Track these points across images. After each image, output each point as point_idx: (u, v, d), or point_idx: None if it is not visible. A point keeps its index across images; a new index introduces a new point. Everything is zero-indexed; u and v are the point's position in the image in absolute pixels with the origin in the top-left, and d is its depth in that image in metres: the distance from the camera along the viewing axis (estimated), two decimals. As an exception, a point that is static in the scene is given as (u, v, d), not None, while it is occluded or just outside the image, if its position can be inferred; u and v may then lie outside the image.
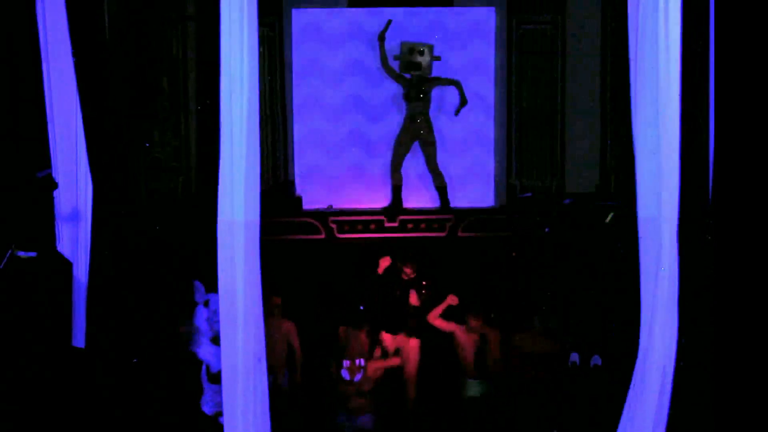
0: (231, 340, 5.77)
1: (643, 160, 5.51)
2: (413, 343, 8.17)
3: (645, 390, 5.64)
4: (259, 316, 5.82)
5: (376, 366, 7.56)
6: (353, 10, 9.36)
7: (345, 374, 7.41)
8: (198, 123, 9.01)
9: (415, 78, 9.07)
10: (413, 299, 8.27)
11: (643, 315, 5.64)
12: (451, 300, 7.98)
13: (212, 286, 7.10)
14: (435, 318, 7.92)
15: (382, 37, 9.07)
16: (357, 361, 7.42)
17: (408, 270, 8.32)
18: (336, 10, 9.35)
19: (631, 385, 5.75)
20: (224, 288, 5.76)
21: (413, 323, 8.16)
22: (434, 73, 9.16)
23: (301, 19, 9.33)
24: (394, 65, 9.13)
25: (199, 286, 7.19)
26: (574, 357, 7.49)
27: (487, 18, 9.40)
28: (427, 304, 8.21)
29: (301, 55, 9.36)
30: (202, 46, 8.94)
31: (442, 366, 8.11)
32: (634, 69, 5.49)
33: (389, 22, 9.05)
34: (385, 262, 8.39)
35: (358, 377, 7.38)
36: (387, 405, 7.63)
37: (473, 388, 7.72)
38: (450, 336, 7.93)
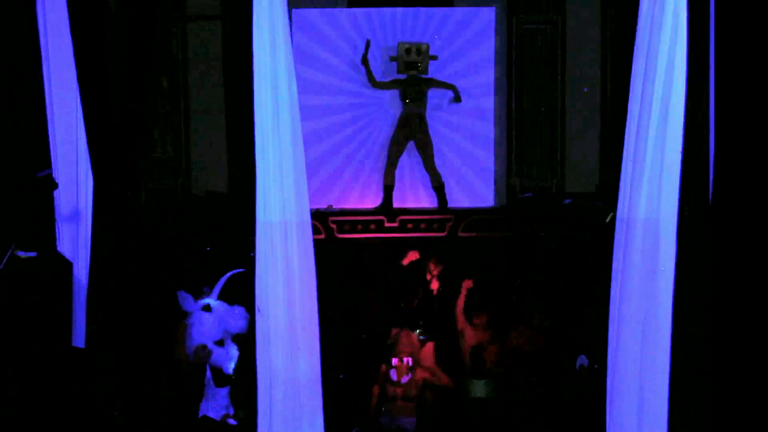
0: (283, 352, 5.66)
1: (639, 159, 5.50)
2: (428, 348, 8.16)
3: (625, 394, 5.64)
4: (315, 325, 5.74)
5: (424, 375, 7.49)
6: (353, 10, 9.37)
7: (393, 374, 7.36)
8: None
9: (411, 78, 9.07)
10: (434, 285, 8.27)
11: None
12: (467, 284, 7.82)
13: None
14: (460, 310, 7.75)
15: (365, 60, 9.08)
16: (405, 360, 7.35)
17: (435, 271, 8.34)
18: (336, 10, 9.37)
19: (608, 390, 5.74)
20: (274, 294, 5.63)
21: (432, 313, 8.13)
22: (433, 73, 9.17)
23: (301, 19, 9.34)
24: (388, 70, 9.15)
25: (185, 296, 7.13)
26: (582, 360, 7.46)
27: (487, 18, 9.41)
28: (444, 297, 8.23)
29: (301, 54, 9.37)
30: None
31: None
32: (637, 67, 5.48)
33: (368, 42, 9.07)
34: (413, 256, 8.36)
35: (405, 379, 7.32)
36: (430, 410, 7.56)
37: (478, 388, 7.70)
38: (456, 333, 7.90)
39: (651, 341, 5.52)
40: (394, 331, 7.64)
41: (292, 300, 5.64)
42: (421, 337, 8.08)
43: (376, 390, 7.43)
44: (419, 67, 9.06)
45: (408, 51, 9.07)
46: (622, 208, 5.54)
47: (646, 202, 5.45)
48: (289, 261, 5.64)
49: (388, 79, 9.19)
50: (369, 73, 9.11)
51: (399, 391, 7.31)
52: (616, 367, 5.65)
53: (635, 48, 5.52)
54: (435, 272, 8.37)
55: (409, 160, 9.32)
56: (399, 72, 9.14)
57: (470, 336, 7.78)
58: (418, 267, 8.43)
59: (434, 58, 9.17)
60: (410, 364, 7.33)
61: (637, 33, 5.48)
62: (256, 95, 5.54)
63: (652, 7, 5.40)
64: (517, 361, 7.56)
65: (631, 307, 5.54)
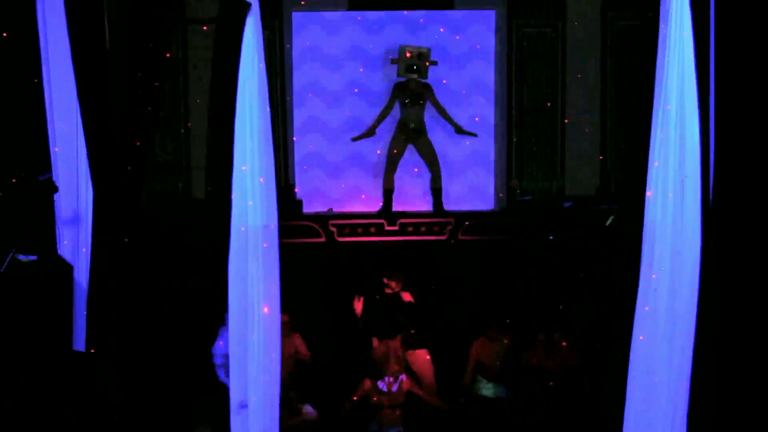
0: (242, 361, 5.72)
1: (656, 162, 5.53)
2: (422, 354, 8.16)
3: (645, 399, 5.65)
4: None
5: (409, 381, 7.54)
6: (354, 12, 9.37)
7: (382, 385, 7.37)
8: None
9: (411, 81, 9.08)
10: (407, 297, 8.24)
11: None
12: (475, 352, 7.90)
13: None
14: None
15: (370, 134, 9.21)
16: (396, 375, 7.38)
17: (393, 283, 8.28)
18: (337, 13, 9.37)
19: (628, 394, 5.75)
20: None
21: (407, 321, 8.12)
22: (434, 76, 9.16)
23: (301, 21, 9.35)
24: (390, 70, 9.16)
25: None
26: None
27: (487, 21, 9.42)
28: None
29: (301, 57, 9.38)
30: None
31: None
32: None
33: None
34: (359, 305, 8.35)
35: (395, 387, 7.34)
36: (416, 418, 7.58)
37: (486, 388, 7.75)
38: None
39: (674, 345, 5.54)
40: (375, 342, 7.64)
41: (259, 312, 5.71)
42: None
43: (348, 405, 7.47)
44: (419, 71, 9.06)
45: (409, 54, 9.08)
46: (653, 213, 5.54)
47: (672, 207, 5.49)
48: (254, 268, 5.70)
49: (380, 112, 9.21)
50: (376, 125, 9.21)
51: (386, 399, 7.32)
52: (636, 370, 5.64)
53: (658, 57, 5.52)
54: (393, 283, 8.33)
55: (409, 164, 9.33)
56: (399, 75, 9.14)
57: (484, 348, 7.82)
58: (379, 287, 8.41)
59: (434, 63, 9.16)
60: (402, 378, 7.37)
61: (658, 45, 5.48)
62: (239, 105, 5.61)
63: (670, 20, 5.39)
64: (539, 377, 7.59)
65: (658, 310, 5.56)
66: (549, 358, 7.63)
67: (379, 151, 9.22)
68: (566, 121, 9.34)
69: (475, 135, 9.27)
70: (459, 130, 9.20)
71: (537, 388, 7.55)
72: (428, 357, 8.15)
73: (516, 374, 7.68)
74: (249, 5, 5.54)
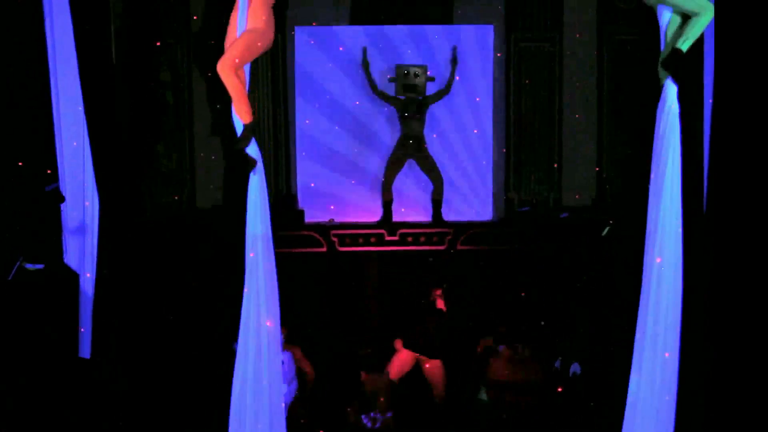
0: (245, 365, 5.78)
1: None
2: (436, 364, 8.24)
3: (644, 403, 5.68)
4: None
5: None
6: (355, 27, 9.48)
7: (366, 420, 7.42)
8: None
9: (409, 99, 9.18)
10: (440, 304, 8.37)
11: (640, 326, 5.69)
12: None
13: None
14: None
15: (365, 65, 9.24)
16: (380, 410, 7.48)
17: (437, 292, 8.45)
18: (338, 27, 9.47)
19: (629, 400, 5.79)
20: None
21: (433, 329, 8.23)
22: (432, 91, 9.29)
23: (303, 35, 9.45)
24: (389, 87, 9.27)
25: None
26: (575, 367, 7.59)
27: (485, 35, 9.53)
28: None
29: (303, 71, 9.48)
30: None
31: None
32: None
33: (365, 49, 9.22)
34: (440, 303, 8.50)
35: (378, 425, 7.40)
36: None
37: (485, 394, 7.87)
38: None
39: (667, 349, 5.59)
40: (364, 375, 7.70)
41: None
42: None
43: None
44: (417, 89, 9.17)
45: (406, 74, 9.17)
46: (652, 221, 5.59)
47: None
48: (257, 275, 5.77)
49: (390, 94, 9.30)
50: (369, 78, 9.24)
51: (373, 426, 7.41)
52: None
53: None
54: (438, 292, 8.50)
55: (409, 176, 9.42)
56: (397, 94, 9.24)
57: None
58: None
59: (431, 79, 9.24)
60: (389, 415, 7.46)
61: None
62: None
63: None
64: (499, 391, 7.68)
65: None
66: (514, 371, 7.71)
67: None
68: (562, 132, 9.45)
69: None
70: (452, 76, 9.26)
71: (510, 404, 7.62)
72: (442, 368, 8.24)
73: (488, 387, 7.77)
74: (255, 162, 5.59)
